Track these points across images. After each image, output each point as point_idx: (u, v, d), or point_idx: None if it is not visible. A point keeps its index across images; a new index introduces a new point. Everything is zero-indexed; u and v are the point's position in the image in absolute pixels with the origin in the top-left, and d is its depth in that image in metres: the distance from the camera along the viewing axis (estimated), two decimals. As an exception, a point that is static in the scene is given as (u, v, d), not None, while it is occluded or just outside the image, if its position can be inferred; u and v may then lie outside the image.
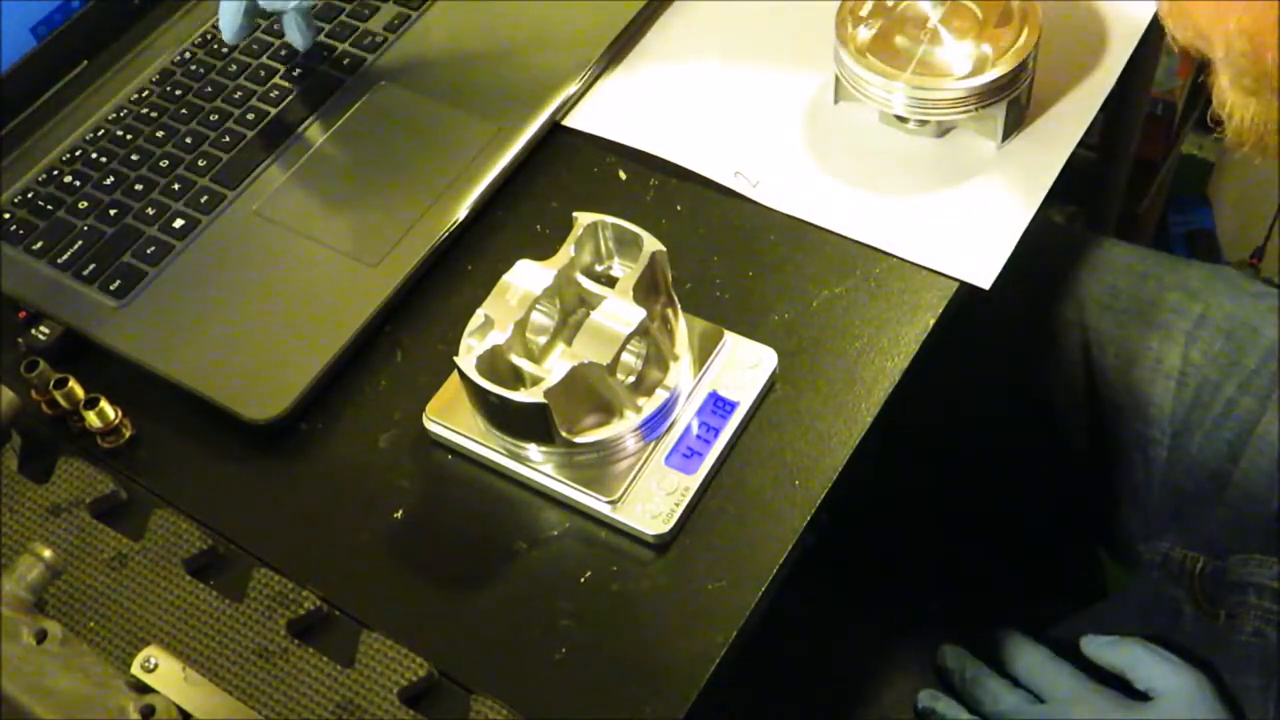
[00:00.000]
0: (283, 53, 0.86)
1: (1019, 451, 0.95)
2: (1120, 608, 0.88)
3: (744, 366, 0.68)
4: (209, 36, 0.88)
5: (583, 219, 0.67)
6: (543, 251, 0.67)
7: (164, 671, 0.55)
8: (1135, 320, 0.87)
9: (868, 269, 0.73)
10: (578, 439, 0.64)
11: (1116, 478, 0.91)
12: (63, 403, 0.70)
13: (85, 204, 0.80)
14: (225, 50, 0.86)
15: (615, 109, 0.82)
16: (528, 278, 0.66)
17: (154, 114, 0.84)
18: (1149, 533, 0.87)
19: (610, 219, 0.67)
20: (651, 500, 0.64)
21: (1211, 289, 0.86)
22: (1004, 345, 0.92)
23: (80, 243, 0.78)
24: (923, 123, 0.77)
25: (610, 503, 0.64)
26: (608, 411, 0.65)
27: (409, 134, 0.81)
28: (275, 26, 0.87)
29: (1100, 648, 0.80)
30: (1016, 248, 0.72)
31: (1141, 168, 1.48)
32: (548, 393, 0.61)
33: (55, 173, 0.82)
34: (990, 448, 0.96)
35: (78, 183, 0.81)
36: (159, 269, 0.76)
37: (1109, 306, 0.88)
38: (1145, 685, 0.76)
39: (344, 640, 0.62)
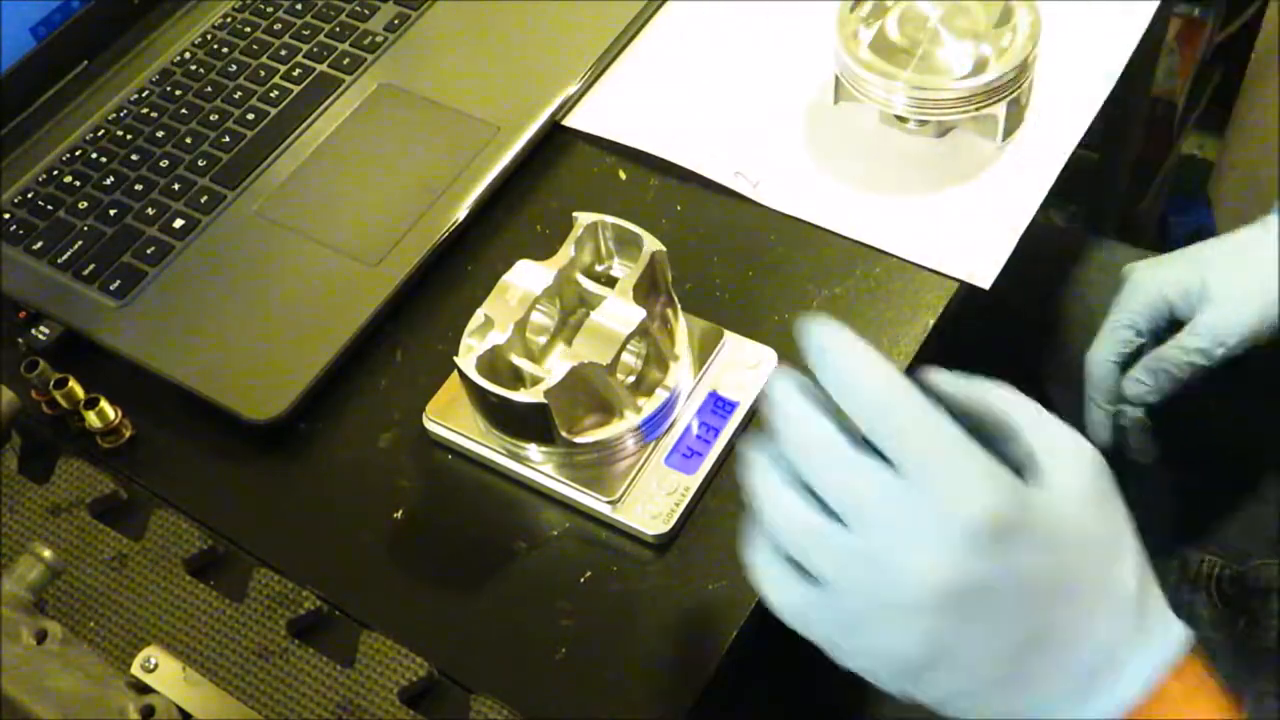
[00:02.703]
0: (283, 53, 0.86)
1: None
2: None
3: (744, 366, 0.68)
4: (209, 36, 0.88)
5: (583, 219, 0.67)
6: (543, 251, 0.67)
7: (164, 671, 0.55)
8: None
9: (868, 269, 0.73)
10: (578, 439, 0.64)
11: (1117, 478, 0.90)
12: (63, 403, 0.70)
13: (85, 204, 0.80)
14: (225, 50, 0.86)
15: (615, 109, 0.82)
16: (528, 278, 0.66)
17: (154, 114, 0.84)
18: (1156, 535, 0.87)
19: (610, 219, 0.67)
20: (651, 500, 0.64)
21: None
22: (1004, 345, 0.91)
23: (80, 243, 0.78)
24: (923, 123, 0.77)
25: (610, 503, 0.64)
26: (608, 411, 0.65)
27: (409, 134, 0.81)
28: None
29: (955, 384, 0.50)
30: (1016, 248, 0.72)
31: (1141, 168, 1.48)
32: (548, 393, 0.61)
33: (55, 173, 0.82)
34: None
35: (78, 183, 0.81)
36: (159, 269, 0.76)
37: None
38: (1028, 449, 0.48)
39: (344, 640, 0.62)
